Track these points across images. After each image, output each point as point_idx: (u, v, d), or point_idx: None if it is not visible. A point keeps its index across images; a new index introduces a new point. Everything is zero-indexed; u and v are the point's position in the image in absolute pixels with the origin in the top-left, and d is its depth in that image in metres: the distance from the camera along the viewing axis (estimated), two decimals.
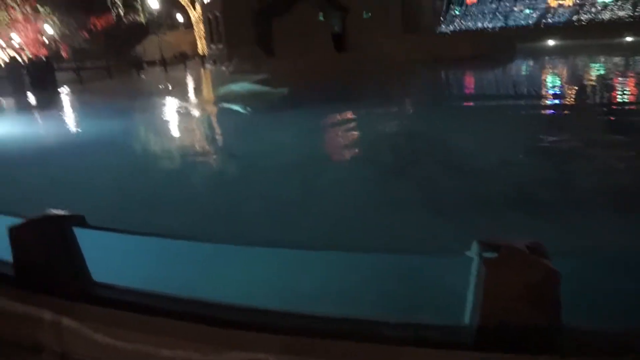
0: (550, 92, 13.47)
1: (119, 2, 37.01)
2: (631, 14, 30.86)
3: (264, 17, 28.37)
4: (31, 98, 19.20)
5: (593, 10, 33.06)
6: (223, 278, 1.79)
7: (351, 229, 4.09)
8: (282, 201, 5.11)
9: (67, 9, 52.58)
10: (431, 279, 1.48)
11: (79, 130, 11.85)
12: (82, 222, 1.76)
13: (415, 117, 11.63)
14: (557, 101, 11.82)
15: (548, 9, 35.22)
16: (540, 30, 33.43)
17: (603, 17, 32.18)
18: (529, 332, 1.29)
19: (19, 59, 28.72)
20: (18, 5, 49.55)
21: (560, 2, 34.95)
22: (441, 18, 38.76)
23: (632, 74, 16.00)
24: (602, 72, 17.51)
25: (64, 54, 55.51)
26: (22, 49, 49.16)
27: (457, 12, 39.60)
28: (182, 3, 38.57)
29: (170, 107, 14.66)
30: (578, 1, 34.23)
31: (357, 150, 8.11)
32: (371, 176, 5.97)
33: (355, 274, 1.60)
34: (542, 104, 11.59)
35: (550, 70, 19.59)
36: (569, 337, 1.29)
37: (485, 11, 38.05)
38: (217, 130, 11.37)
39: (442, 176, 5.74)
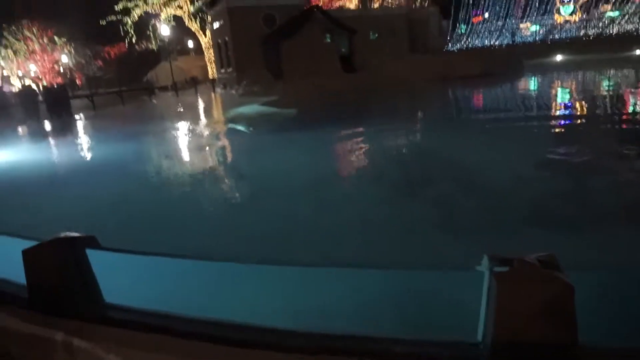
0: (560, 106, 13.42)
1: (131, 32, 38.03)
2: (639, 27, 30.83)
3: (272, 41, 28.94)
4: (47, 124, 19.67)
5: (600, 24, 33.11)
6: (236, 297, 1.79)
7: (363, 248, 4.06)
8: (293, 220, 5.10)
9: (83, 40, 54.35)
10: (442, 294, 1.46)
11: (92, 154, 12.06)
12: (94, 243, 1.78)
13: (426, 134, 11.65)
14: (567, 115, 11.76)
15: (555, 25, 35.37)
16: (547, 46, 33.51)
17: (610, 31, 32.19)
18: (543, 349, 1.26)
19: (34, 87, 29.56)
20: (35, 36, 51.34)
21: (567, 18, 35.09)
22: (448, 37, 39.12)
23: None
24: (611, 85, 17.42)
25: (78, 81, 57.09)
26: (39, 78, 50.71)
27: (463, 31, 39.96)
28: (193, 30, 39.52)
29: (180, 130, 14.88)
30: (585, 16, 34.34)
31: (367, 169, 8.11)
32: (382, 195, 5.95)
33: (365, 290, 1.58)
34: (553, 118, 11.54)
35: (559, 85, 19.55)
36: (585, 355, 1.25)
37: (492, 29, 38.34)
38: (227, 151, 11.49)
39: (455, 193, 5.70)
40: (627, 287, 1.77)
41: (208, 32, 38.08)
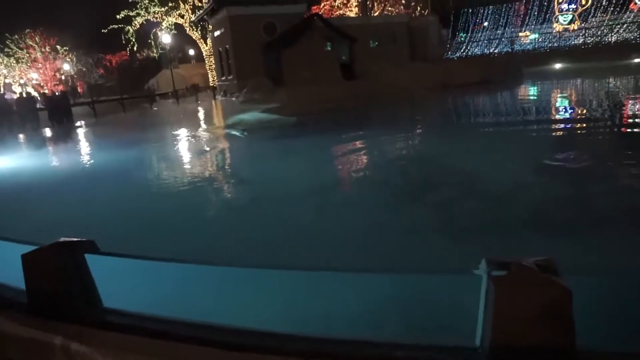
0: (559, 112, 13.46)
1: (133, 40, 38.30)
2: (638, 36, 30.99)
3: (273, 49, 29.12)
4: (46, 131, 19.73)
5: (599, 33, 33.29)
6: (236, 301, 1.79)
7: (363, 253, 4.06)
8: (294, 224, 5.11)
9: (85, 48, 54.81)
10: (440, 298, 1.46)
11: (91, 160, 12.08)
12: (93, 248, 1.78)
13: (425, 141, 11.67)
14: (566, 121, 11.79)
15: (554, 34, 35.57)
16: (546, 54, 33.68)
17: (609, 39, 32.37)
18: (541, 353, 1.26)
19: (34, 94, 29.68)
20: (38, 45, 51.74)
21: (566, 26, 35.31)
22: (448, 45, 39.33)
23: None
24: (610, 92, 17.49)
25: (80, 89, 57.39)
26: (41, 86, 50.98)
27: (463, 39, 40.17)
28: (194, 38, 39.80)
29: (181, 137, 14.91)
30: (583, 25, 34.54)
31: (368, 175, 8.12)
32: (383, 200, 5.96)
33: (362, 294, 1.58)
34: (552, 124, 11.57)
35: (559, 92, 19.62)
36: (583, 359, 1.25)
37: (491, 37, 38.55)
38: (228, 157, 11.51)
39: (456, 199, 5.71)
40: (625, 291, 1.77)
41: (209, 40, 38.33)
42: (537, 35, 36.54)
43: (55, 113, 20.71)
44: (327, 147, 10.60)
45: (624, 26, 32.18)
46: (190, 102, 31.39)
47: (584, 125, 11.02)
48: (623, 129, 10.08)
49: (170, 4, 37.64)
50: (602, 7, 34.12)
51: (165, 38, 38.32)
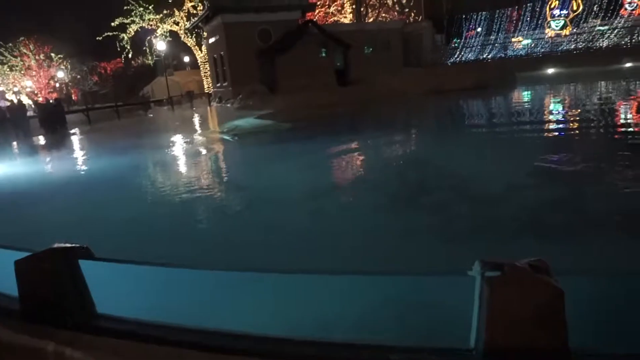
0: (553, 116, 13.58)
1: (128, 47, 38.27)
2: (628, 41, 31.37)
3: (267, 55, 29.20)
4: (39, 139, 19.63)
5: (591, 38, 33.66)
6: (231, 306, 1.78)
7: (359, 257, 4.07)
8: (290, 230, 5.11)
9: (79, 55, 54.71)
10: (434, 299, 1.47)
11: (83, 168, 12.02)
12: (87, 253, 1.77)
13: (418, 145, 11.73)
14: (558, 125, 11.89)
15: (546, 39, 35.92)
16: (539, 59, 33.99)
17: (601, 44, 32.73)
18: (535, 354, 1.26)
19: (26, 102, 29.53)
20: (32, 53, 51.60)
21: (558, 32, 35.67)
22: (441, 51, 39.60)
23: (632, 97, 16.11)
24: (603, 96, 17.66)
25: (74, 97, 57.23)
26: (35, 93, 50.80)
27: (456, 45, 40.47)
28: (189, 45, 39.84)
29: (175, 143, 14.88)
30: (575, 30, 34.91)
31: (362, 180, 8.14)
32: (378, 204, 5.97)
33: (355, 296, 1.59)
34: (545, 128, 11.66)
35: (552, 96, 19.80)
36: None
37: (485, 43, 38.86)
38: (223, 163, 11.51)
39: (451, 203, 5.73)
40: (617, 292, 1.78)
41: (204, 47, 38.38)
42: (529, 41, 36.88)
43: (47, 121, 20.61)
44: (321, 153, 10.62)
45: (615, 31, 32.57)
46: (185, 108, 31.38)
47: (577, 129, 11.11)
48: (616, 133, 10.17)
49: (165, 12, 37.67)
50: (593, 13, 34.53)
51: (160, 45, 38.35)
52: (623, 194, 5.56)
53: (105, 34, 37.29)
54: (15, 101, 21.31)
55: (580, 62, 30.24)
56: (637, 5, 32.59)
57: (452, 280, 1.49)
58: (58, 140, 18.71)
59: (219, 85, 34.16)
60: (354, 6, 44.06)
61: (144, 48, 41.26)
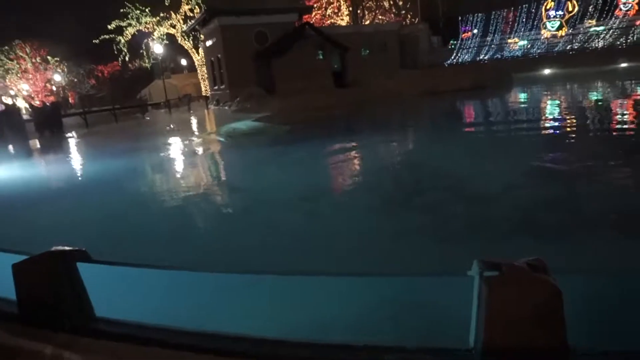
0: (549, 116, 13.62)
1: (125, 50, 38.23)
2: (623, 41, 31.55)
3: (264, 58, 29.23)
4: (34, 142, 19.56)
5: (586, 39, 33.85)
6: (230, 308, 1.78)
7: (356, 258, 4.06)
8: (287, 232, 5.11)
9: (76, 58, 54.59)
10: (433, 300, 1.47)
11: (80, 171, 11.99)
12: (85, 256, 1.77)
13: (415, 145, 11.76)
14: (555, 125, 11.93)
15: (542, 40, 36.09)
16: (535, 60, 34.15)
17: (596, 45, 32.91)
18: (534, 353, 1.27)
19: (20, 105, 29.42)
20: (29, 56, 51.49)
21: (554, 32, 35.85)
22: (438, 52, 39.74)
23: (628, 97, 16.20)
24: (598, 96, 17.74)
25: (71, 100, 57.11)
26: (32, 97, 50.67)
27: (453, 46, 40.62)
28: (186, 48, 39.83)
29: (172, 146, 14.86)
30: (571, 31, 35.09)
31: (358, 180, 8.16)
32: (374, 205, 5.98)
33: (353, 297, 1.59)
34: (541, 128, 11.70)
35: (548, 97, 19.87)
36: (575, 359, 1.26)
37: (481, 44, 39.01)
38: (221, 165, 11.50)
39: (448, 203, 5.74)
40: (615, 290, 1.79)
41: (201, 50, 38.39)
42: (525, 42, 37.04)
43: (44, 124, 20.54)
44: (319, 154, 10.64)
45: (610, 32, 32.75)
46: (183, 111, 31.35)
47: (573, 128, 11.15)
48: (612, 132, 10.21)
49: (161, 14, 37.67)
50: (588, 14, 34.72)
51: (157, 48, 38.34)
52: (619, 194, 5.58)
53: (102, 36, 37.25)
54: (6, 105, 21.12)
55: (576, 62, 30.41)
56: (631, 5, 32.80)
57: (451, 281, 1.50)
58: (53, 144, 18.66)
59: (216, 88, 34.16)
60: (350, 9, 44.17)
61: (141, 51, 41.24)
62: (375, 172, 8.48)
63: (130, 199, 7.72)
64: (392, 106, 21.26)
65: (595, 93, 19.14)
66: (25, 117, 22.75)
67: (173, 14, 37.72)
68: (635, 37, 31.02)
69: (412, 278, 1.58)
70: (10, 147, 17.58)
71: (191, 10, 37.16)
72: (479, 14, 39.32)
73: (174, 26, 38.31)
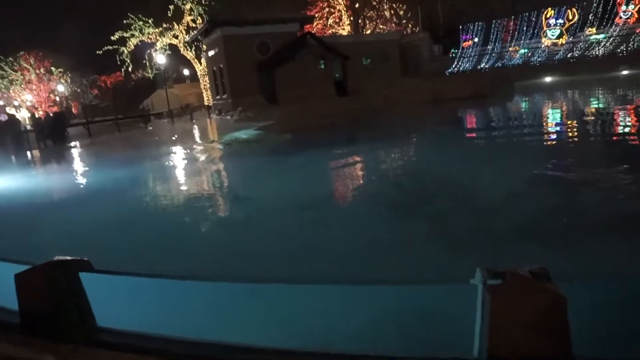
0: (552, 124, 13.63)
1: (127, 61, 38.54)
2: (624, 49, 31.64)
3: (266, 67, 29.40)
4: (36, 153, 19.65)
5: (587, 46, 33.96)
6: (233, 318, 1.77)
7: (360, 266, 4.05)
8: (290, 240, 5.10)
9: (79, 69, 55.06)
10: (436, 308, 1.46)
11: (83, 180, 12.02)
12: (87, 266, 1.77)
13: (415, 154, 11.75)
14: (558, 133, 11.92)
15: (543, 48, 36.23)
16: (536, 68, 34.25)
17: (597, 52, 33.01)
18: None
19: (17, 117, 29.57)
20: (33, 67, 51.94)
21: (554, 41, 35.99)
22: (439, 61, 39.92)
23: (629, 105, 16.19)
24: (600, 103, 17.75)
25: (74, 110, 57.46)
26: (35, 107, 51.00)
27: (454, 55, 40.80)
28: (188, 58, 40.12)
29: (175, 155, 14.90)
30: (572, 39, 35.23)
31: (362, 189, 8.15)
32: (378, 213, 5.97)
33: (357, 306, 1.58)
34: (545, 136, 11.70)
35: (550, 105, 19.89)
36: None
37: (482, 53, 39.18)
38: (223, 174, 11.51)
39: (451, 211, 5.72)
40: (619, 297, 1.77)
41: (203, 60, 38.66)
42: (526, 50, 37.18)
43: (43, 134, 20.64)
44: (320, 162, 10.65)
45: (611, 39, 32.87)
46: (185, 121, 31.49)
47: (575, 136, 11.15)
48: (614, 140, 10.19)
49: (164, 25, 38.02)
50: (589, 22, 34.88)
51: (160, 58, 38.64)
52: (623, 200, 5.56)
53: (106, 47, 37.56)
54: (8, 116, 21.22)
55: (577, 70, 30.48)
56: (631, 13, 32.94)
57: (454, 289, 1.49)
58: (52, 154, 18.74)
59: (218, 97, 34.33)
60: (352, 18, 44.49)
61: (144, 61, 41.57)
62: (376, 180, 8.48)
63: (130, 207, 7.73)
64: (393, 114, 21.31)
65: (598, 101, 19.15)
66: (28, 127, 22.90)
67: (176, 25, 38.08)
68: (635, 45, 31.11)
69: (414, 286, 1.57)
70: (11, 156, 17.67)
71: (194, 21, 37.52)
72: (480, 23, 39.54)
73: (176, 37, 38.65)
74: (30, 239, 5.86)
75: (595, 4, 34.11)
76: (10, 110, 45.37)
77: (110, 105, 51.31)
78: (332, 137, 15.72)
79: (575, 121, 13.74)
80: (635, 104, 16.04)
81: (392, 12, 46.91)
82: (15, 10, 62.46)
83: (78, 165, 15.55)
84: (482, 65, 38.06)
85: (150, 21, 37.71)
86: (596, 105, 17.34)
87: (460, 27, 40.52)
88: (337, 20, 44.88)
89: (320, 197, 7.22)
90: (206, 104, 38.35)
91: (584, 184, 6.49)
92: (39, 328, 1.61)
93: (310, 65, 29.09)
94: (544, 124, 14.06)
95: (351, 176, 9.41)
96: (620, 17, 33.41)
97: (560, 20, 35.82)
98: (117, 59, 38.21)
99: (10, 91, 51.78)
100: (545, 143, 10.77)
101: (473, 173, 7.66)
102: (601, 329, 1.50)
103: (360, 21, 45.68)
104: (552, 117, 15.53)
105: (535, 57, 36.15)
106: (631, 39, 31.53)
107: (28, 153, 19.37)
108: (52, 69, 53.28)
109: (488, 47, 39.13)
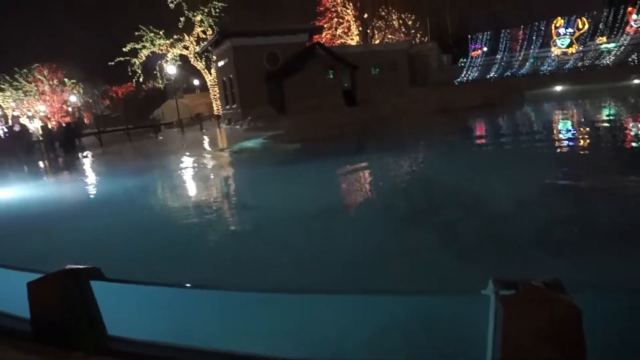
0: (562, 133, 13.51)
1: (139, 71, 39.07)
2: (635, 58, 31.40)
3: (276, 78, 29.62)
4: (48, 163, 19.91)
5: (597, 55, 33.77)
6: (242, 327, 1.76)
7: (369, 275, 4.03)
8: (298, 249, 5.09)
9: (91, 80, 55.97)
10: (448, 319, 1.44)
11: (95, 189, 12.14)
12: (98, 275, 1.78)
13: (424, 163, 11.70)
14: (569, 142, 11.81)
15: (552, 57, 36.09)
16: (546, 77, 34.10)
17: (608, 62, 32.79)
18: None
19: (30, 127, 30.04)
20: (46, 78, 52.91)
21: (564, 50, 35.85)
22: (448, 70, 39.95)
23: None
24: (611, 112, 17.58)
25: (86, 120, 58.30)
26: (48, 117, 51.84)
27: (463, 64, 40.80)
28: (198, 68, 40.58)
29: (183, 166, 14.99)
30: (582, 48, 35.07)
31: (371, 198, 8.13)
32: (387, 222, 5.94)
33: (370, 316, 1.56)
34: (555, 145, 11.59)
35: (560, 114, 19.73)
36: None
37: (491, 62, 39.13)
38: (233, 183, 11.55)
39: (461, 220, 5.68)
40: (636, 311, 1.73)
41: (213, 71, 39.07)
42: (535, 59, 37.07)
43: (52, 145, 20.93)
44: (329, 171, 10.66)
45: (621, 48, 32.65)
46: (195, 130, 31.76)
47: (587, 146, 11.04)
48: (626, 149, 10.08)
49: (175, 37, 38.57)
50: (599, 31, 34.72)
51: (171, 69, 39.13)
52: (635, 209, 5.48)
53: (117, 59, 38.14)
54: (18, 126, 21.57)
55: (587, 79, 30.26)
56: None
57: (466, 299, 1.47)
58: (68, 163, 18.99)
59: (228, 107, 34.60)
60: (360, 28, 44.76)
61: (155, 72, 42.11)
62: (385, 190, 8.45)
63: (140, 216, 7.79)
64: (402, 124, 21.29)
65: (609, 110, 18.97)
66: (40, 137, 23.25)
67: (186, 36, 38.60)
68: None
69: (426, 296, 1.56)
70: (23, 166, 17.94)
71: (204, 32, 38.00)
72: (489, 32, 39.56)
73: (187, 48, 39.14)
74: (39, 248, 5.92)
75: (605, 13, 34.00)
76: (23, 121, 46.13)
77: (122, 116, 51.91)
78: (341, 147, 15.74)
79: (586, 130, 13.61)
80: None
81: (401, 22, 47.10)
82: (30, 23, 63.89)
83: (90, 174, 15.72)
84: (491, 75, 37.99)
85: (161, 32, 38.26)
86: (607, 114, 17.18)
87: (470, 36, 40.57)
88: (346, 30, 45.18)
89: (329, 206, 7.21)
90: (216, 113, 38.67)
91: (596, 193, 6.41)
92: (50, 336, 1.61)
93: (319, 75, 29.26)
94: (555, 132, 13.95)
95: (360, 185, 9.40)
96: (631, 26, 33.22)
97: (570, 30, 35.72)
98: (129, 69, 38.73)
99: (25, 102, 52.74)
100: (556, 152, 10.66)
101: (483, 182, 7.61)
102: (616, 341, 1.47)
103: (368, 31, 45.92)
104: (563, 125, 15.40)
105: (545, 66, 36.01)
106: None
107: (40, 162, 19.65)
108: (65, 80, 54.23)
109: (497, 56, 39.09)
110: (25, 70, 51.25)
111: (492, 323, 1.32)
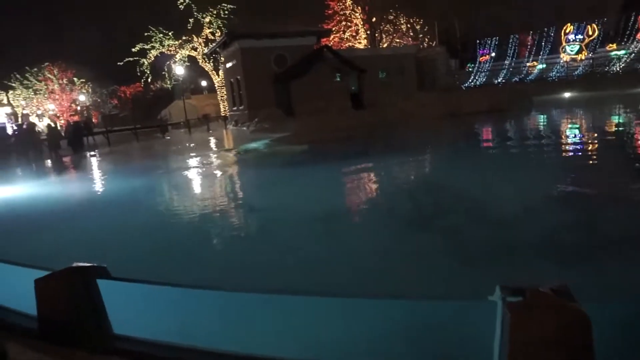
0: (571, 139, 13.42)
1: (147, 72, 39.37)
2: None
3: (283, 80, 29.71)
4: (56, 161, 20.02)
5: (607, 62, 33.53)
6: (248, 328, 1.76)
7: (374, 280, 4.02)
8: (304, 251, 5.09)
9: (100, 80, 56.49)
10: (454, 325, 1.43)
11: (102, 188, 12.22)
12: (105, 273, 1.79)
13: (430, 167, 11.67)
14: (578, 148, 11.72)
15: (562, 64, 35.88)
16: (555, 83, 33.90)
17: (618, 69, 32.55)
18: None
19: (39, 125, 30.22)
20: (56, 77, 53.45)
21: (574, 56, 35.64)
22: (455, 75, 39.84)
23: None
24: (620, 120, 17.44)
25: (94, 119, 58.75)
26: (57, 116, 52.33)
27: (470, 69, 40.67)
28: (206, 69, 40.82)
29: (190, 166, 15.05)
30: (591, 55, 34.84)
31: (377, 202, 8.11)
32: (393, 227, 5.93)
33: (374, 321, 1.56)
34: (564, 151, 11.51)
35: (569, 120, 19.61)
36: None
37: (499, 67, 38.98)
38: (239, 184, 11.58)
39: (467, 224, 5.66)
40: None
41: (221, 72, 39.27)
42: (544, 65, 36.87)
43: (57, 143, 21.02)
44: (336, 173, 10.66)
45: (632, 55, 32.39)
46: (202, 131, 31.90)
47: (595, 152, 10.95)
48: (635, 156, 10.00)
49: (184, 38, 38.87)
50: (609, 37, 34.48)
51: (179, 70, 39.40)
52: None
53: (126, 59, 38.47)
54: (25, 124, 21.68)
55: (596, 86, 30.04)
56: None
57: (473, 305, 1.46)
58: (76, 162, 19.13)
59: (235, 108, 34.74)
60: (368, 32, 44.81)
61: (163, 72, 42.45)
62: (391, 193, 8.44)
63: (147, 215, 7.83)
64: (409, 128, 21.25)
65: (618, 117, 18.83)
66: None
67: (195, 37, 38.86)
68: None
69: (432, 302, 1.55)
70: (29, 164, 18.07)
71: (212, 33, 38.26)
72: (497, 37, 39.41)
73: (195, 49, 39.40)
74: (44, 246, 5.96)
75: (615, 20, 33.76)
76: (33, 119, 46.54)
77: (129, 115, 52.28)
78: (347, 149, 15.74)
79: (595, 136, 13.51)
80: None
81: (409, 26, 47.08)
82: (41, 24, 64.57)
83: (97, 173, 15.82)
84: (499, 80, 37.83)
85: (170, 34, 38.59)
86: (616, 121, 17.05)
87: (478, 41, 40.44)
88: (354, 33, 45.24)
89: (335, 209, 7.22)
90: (223, 114, 38.85)
91: (605, 200, 6.36)
92: (56, 334, 1.62)
93: (326, 78, 29.30)
94: (564, 138, 13.86)
95: (366, 188, 9.39)
96: None
97: (580, 36, 35.50)
98: (137, 70, 39.06)
99: (34, 100, 53.31)
100: (565, 158, 10.60)
101: (492, 188, 7.59)
102: (627, 348, 1.45)
103: (376, 35, 45.95)
104: (571, 132, 15.31)
105: (554, 73, 35.81)
106: None
107: (49, 161, 19.79)
108: (75, 79, 54.78)
109: (505, 61, 38.92)
110: (35, 69, 51.83)
111: (499, 329, 1.31)
